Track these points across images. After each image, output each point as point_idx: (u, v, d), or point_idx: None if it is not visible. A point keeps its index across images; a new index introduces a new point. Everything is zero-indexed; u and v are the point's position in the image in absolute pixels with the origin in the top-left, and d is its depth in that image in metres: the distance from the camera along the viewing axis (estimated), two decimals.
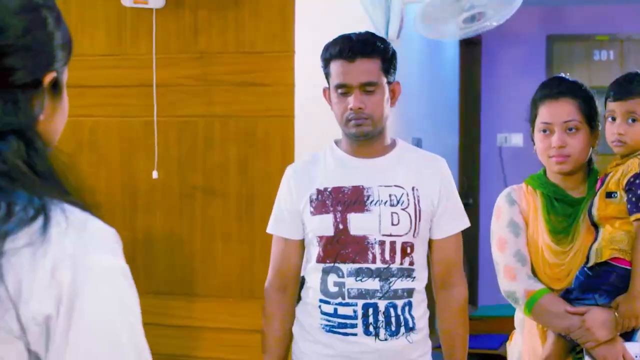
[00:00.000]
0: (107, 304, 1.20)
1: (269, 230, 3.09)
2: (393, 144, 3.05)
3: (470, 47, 7.96)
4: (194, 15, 3.90)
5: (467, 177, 7.94)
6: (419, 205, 2.94)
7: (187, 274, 3.95)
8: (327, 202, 2.94)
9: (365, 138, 2.94)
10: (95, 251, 1.20)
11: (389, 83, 2.96)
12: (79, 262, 1.18)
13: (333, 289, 2.92)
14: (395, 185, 2.94)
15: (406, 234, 2.91)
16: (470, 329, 3.20)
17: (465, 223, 3.07)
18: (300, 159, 3.14)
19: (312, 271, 2.99)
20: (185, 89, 3.91)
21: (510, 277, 2.93)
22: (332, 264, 2.92)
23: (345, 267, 2.90)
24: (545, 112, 2.93)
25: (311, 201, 2.96)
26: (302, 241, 3.04)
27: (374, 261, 2.89)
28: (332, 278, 2.93)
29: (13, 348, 1.15)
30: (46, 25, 1.30)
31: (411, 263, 2.93)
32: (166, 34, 3.92)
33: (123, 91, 3.99)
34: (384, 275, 2.89)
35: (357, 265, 2.89)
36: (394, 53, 2.99)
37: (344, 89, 2.91)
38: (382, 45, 2.94)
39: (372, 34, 2.99)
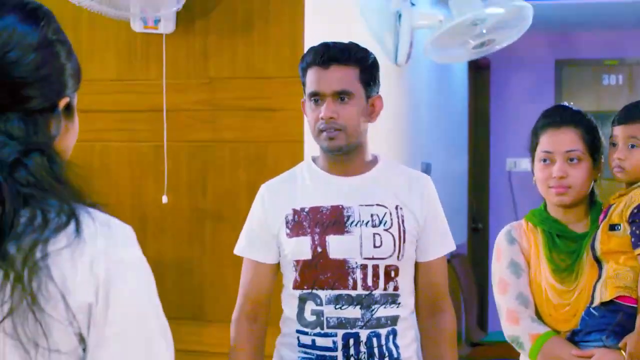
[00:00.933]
0: (136, 288, 1.46)
1: (238, 251, 2.87)
2: (375, 161, 2.82)
3: (479, 72, 7.97)
4: (203, 41, 3.92)
5: (476, 202, 7.93)
6: (403, 226, 2.72)
7: (196, 298, 3.95)
8: (304, 223, 2.71)
9: (340, 153, 2.72)
10: (121, 246, 1.45)
11: (368, 97, 2.74)
12: (110, 257, 1.42)
13: (310, 317, 2.70)
14: (378, 205, 2.72)
15: (390, 256, 2.69)
16: (480, 354, 3.12)
17: (452, 245, 2.87)
18: (276, 177, 2.92)
19: (288, 299, 2.77)
20: (194, 114, 3.92)
21: (513, 321, 2.80)
22: (309, 291, 2.70)
23: (324, 294, 2.68)
24: (547, 141, 2.83)
25: (287, 222, 2.73)
26: (276, 265, 2.81)
27: (354, 287, 2.66)
28: (309, 306, 2.70)
29: (65, 334, 1.38)
30: (59, 58, 1.51)
31: (396, 288, 2.71)
32: (176, 59, 3.94)
33: (133, 116, 4.00)
34: (365, 302, 2.66)
35: (337, 292, 2.67)
36: (374, 64, 2.78)
37: (317, 97, 2.70)
38: (360, 54, 2.74)
39: (354, 44, 2.79)
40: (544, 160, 2.84)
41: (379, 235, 2.69)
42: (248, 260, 2.84)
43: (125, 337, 1.42)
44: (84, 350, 1.41)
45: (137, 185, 4.01)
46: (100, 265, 1.40)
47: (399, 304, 2.72)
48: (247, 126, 3.86)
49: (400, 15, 4.71)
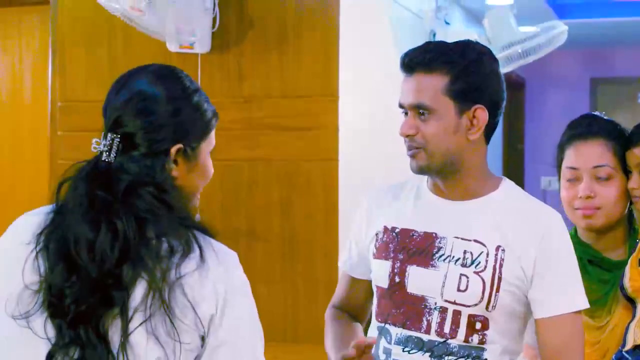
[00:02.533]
0: (245, 302, 1.80)
1: (339, 263, 2.52)
2: (493, 186, 2.30)
3: (515, 90, 7.95)
4: (238, 60, 3.93)
5: None
6: (499, 271, 2.19)
7: None
8: (390, 245, 2.29)
9: (426, 175, 2.30)
10: (234, 268, 1.80)
11: (464, 110, 2.21)
12: (228, 277, 1.77)
13: (381, 356, 2.28)
14: (475, 241, 2.22)
15: (475, 304, 2.19)
16: None
17: (581, 303, 2.23)
18: (388, 183, 2.47)
19: (370, 329, 2.38)
20: (229, 133, 3.93)
21: (530, 359, 2.38)
22: (383, 324, 2.29)
23: (395, 332, 2.26)
24: (572, 156, 2.50)
25: (376, 240, 2.33)
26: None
27: (427, 331, 2.22)
28: (382, 342, 2.29)
29: (194, 337, 1.73)
30: (179, 114, 1.84)
31: (482, 342, 2.20)
32: (211, 78, 3.95)
33: None
34: (437, 351, 2.21)
35: (407, 333, 2.24)
36: (476, 67, 2.24)
37: (403, 110, 2.26)
38: (454, 57, 2.20)
39: (458, 43, 2.27)
40: (570, 178, 2.51)
41: (466, 277, 2.21)
42: (343, 273, 2.49)
43: (235, 342, 1.76)
44: (202, 346, 1.76)
45: None
46: (221, 285, 1.74)
47: None
48: (282, 145, 3.87)
49: (434, 35, 4.72)
